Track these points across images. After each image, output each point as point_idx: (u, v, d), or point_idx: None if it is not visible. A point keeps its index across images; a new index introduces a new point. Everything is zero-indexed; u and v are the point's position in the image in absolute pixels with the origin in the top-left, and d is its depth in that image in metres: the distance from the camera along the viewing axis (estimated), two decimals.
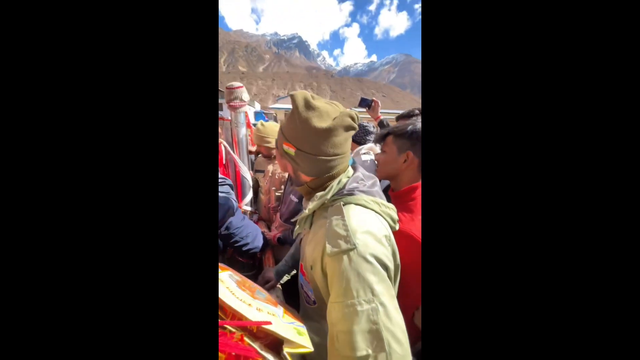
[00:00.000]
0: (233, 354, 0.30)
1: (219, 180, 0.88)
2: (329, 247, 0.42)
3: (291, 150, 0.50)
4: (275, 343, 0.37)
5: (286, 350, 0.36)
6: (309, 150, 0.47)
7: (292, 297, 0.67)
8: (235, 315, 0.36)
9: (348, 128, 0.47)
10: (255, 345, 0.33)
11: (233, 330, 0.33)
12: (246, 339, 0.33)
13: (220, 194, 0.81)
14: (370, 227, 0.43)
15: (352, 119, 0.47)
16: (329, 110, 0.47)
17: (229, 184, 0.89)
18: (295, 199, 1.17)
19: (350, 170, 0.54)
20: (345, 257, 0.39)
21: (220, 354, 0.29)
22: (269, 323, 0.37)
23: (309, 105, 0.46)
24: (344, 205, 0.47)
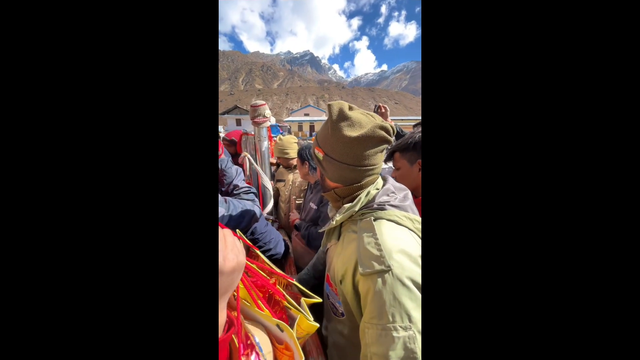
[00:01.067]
0: (269, 291, 0.40)
1: (246, 188, 0.92)
2: (361, 268, 0.40)
3: (320, 155, 0.51)
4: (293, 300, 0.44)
5: (303, 299, 0.44)
6: (335, 157, 0.48)
7: (314, 306, 0.68)
8: (264, 265, 0.45)
9: (379, 140, 0.46)
10: (284, 292, 0.42)
11: (267, 277, 0.42)
12: (277, 286, 0.41)
13: (247, 201, 0.85)
14: (405, 247, 0.41)
15: (386, 131, 0.46)
16: (361, 121, 0.46)
17: (254, 192, 0.94)
18: (314, 206, 1.20)
19: (379, 182, 0.52)
20: (379, 279, 0.38)
21: (259, 289, 0.37)
22: (291, 279, 0.47)
23: (342, 115, 0.46)
24: (374, 220, 0.45)
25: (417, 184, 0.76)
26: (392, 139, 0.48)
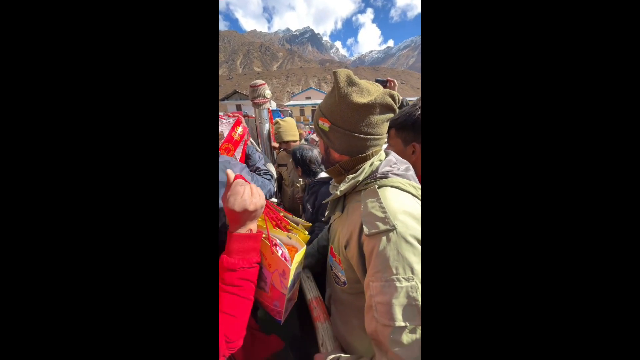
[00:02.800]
0: (280, 221, 0.60)
1: (265, 170, 1.08)
2: (366, 229, 0.42)
3: (325, 126, 0.50)
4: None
5: (300, 224, 0.65)
6: (343, 126, 0.47)
7: (318, 281, 0.72)
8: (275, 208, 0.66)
9: (387, 108, 0.46)
10: (289, 219, 0.63)
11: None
12: (285, 218, 0.62)
13: (266, 180, 1.03)
14: (409, 208, 0.42)
15: (393, 99, 0.46)
16: (369, 89, 0.47)
17: (270, 174, 1.10)
18: (310, 209, 1.22)
19: (382, 154, 0.53)
20: (384, 238, 0.40)
21: (270, 221, 0.58)
22: (290, 214, 0.66)
23: (350, 81, 0.46)
24: (378, 188, 0.46)
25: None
26: (397, 108, 0.48)
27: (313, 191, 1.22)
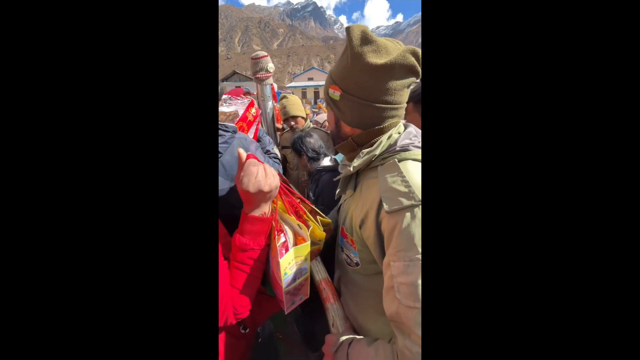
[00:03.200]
0: (296, 208, 0.55)
1: (274, 154, 1.06)
2: (387, 205, 0.38)
3: (336, 94, 0.44)
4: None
5: (318, 217, 0.57)
6: (356, 94, 0.41)
7: (326, 262, 0.70)
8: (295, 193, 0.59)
9: (409, 70, 0.40)
10: (306, 210, 0.56)
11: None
12: (301, 205, 0.56)
13: (275, 163, 1.02)
14: None
15: (417, 58, 0.39)
16: (388, 47, 0.40)
17: (279, 158, 1.11)
18: (312, 197, 1.18)
19: (401, 126, 0.47)
20: (408, 214, 0.36)
21: (287, 205, 0.53)
22: (311, 204, 0.59)
23: (365, 39, 0.39)
24: (399, 161, 0.42)
25: None
26: (419, 69, 0.41)
27: (315, 179, 1.19)
